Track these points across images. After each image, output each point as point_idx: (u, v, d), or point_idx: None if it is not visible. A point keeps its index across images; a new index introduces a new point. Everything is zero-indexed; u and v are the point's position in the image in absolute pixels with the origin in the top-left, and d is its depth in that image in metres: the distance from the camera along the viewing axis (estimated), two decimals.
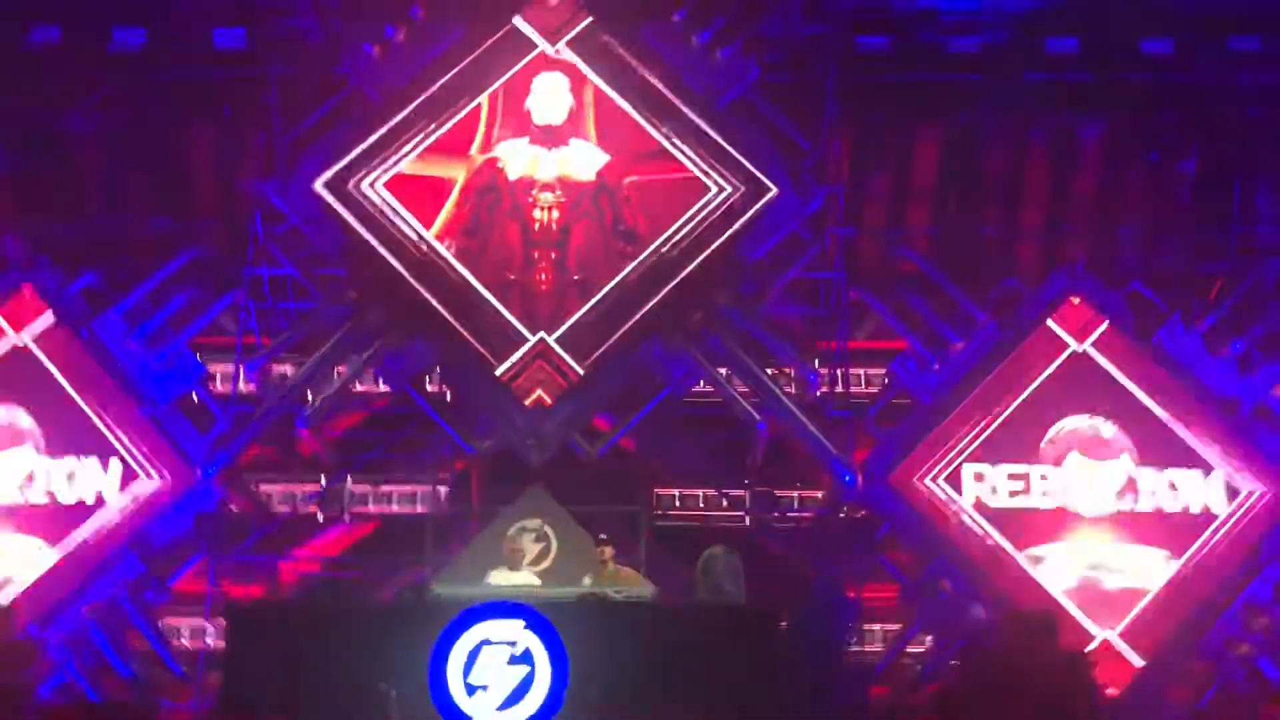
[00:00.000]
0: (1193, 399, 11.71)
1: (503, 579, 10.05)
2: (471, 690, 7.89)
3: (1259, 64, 13.10)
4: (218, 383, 12.43)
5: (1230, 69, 13.09)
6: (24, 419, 11.70)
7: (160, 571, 11.28)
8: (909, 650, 11.45)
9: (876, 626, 11.76)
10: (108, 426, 11.63)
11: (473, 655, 7.94)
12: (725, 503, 12.55)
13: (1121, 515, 11.46)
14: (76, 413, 11.68)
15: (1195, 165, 13.51)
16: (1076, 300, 12.04)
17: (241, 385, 11.75)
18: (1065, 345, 11.90)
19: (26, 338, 11.91)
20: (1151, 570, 11.30)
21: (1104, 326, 11.96)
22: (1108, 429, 11.66)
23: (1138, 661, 10.95)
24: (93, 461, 11.53)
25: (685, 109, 12.10)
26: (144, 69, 12.73)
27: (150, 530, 11.38)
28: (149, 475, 11.51)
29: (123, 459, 11.52)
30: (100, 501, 11.43)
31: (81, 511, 11.40)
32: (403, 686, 7.84)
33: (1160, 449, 11.57)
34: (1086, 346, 11.92)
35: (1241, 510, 11.40)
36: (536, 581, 10.06)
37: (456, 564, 10.80)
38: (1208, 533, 11.31)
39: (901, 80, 13.08)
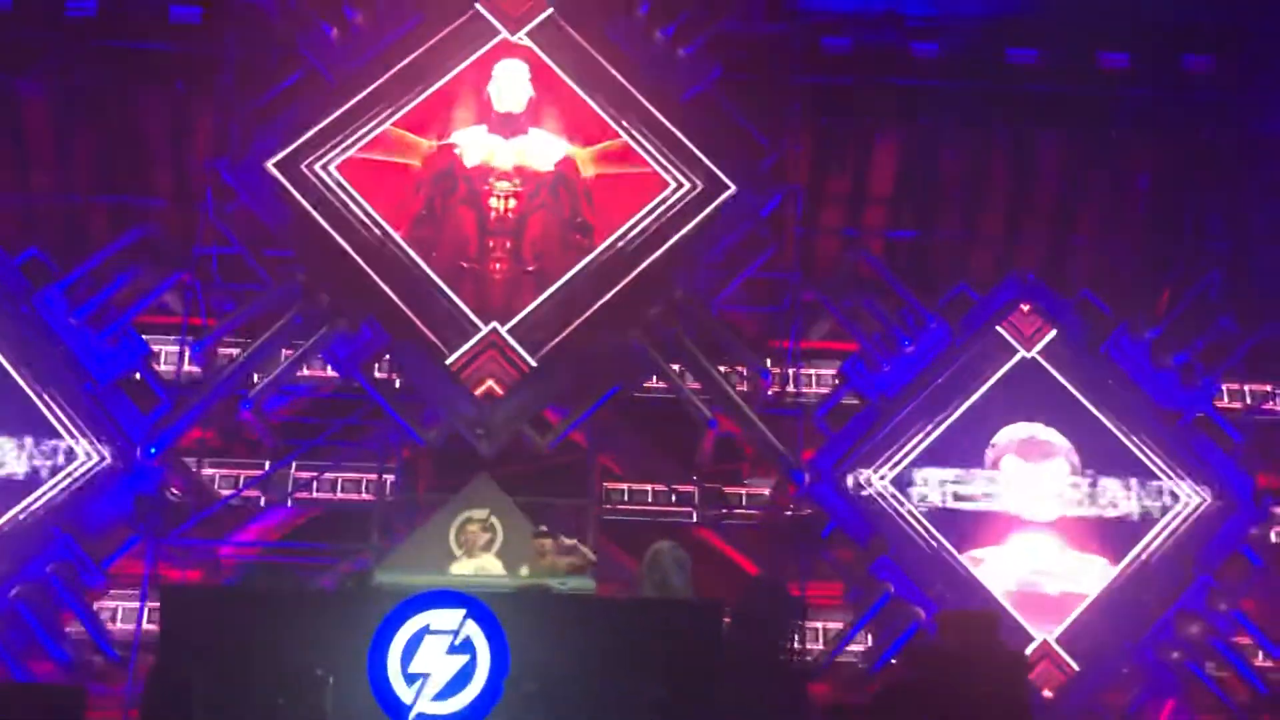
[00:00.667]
0: (1136, 408, 11.90)
1: (463, 568, 9.96)
2: (411, 679, 7.80)
3: (1212, 82, 13.32)
4: (162, 363, 12.20)
5: (1184, 85, 13.30)
6: None
7: (96, 553, 11.04)
8: (851, 649, 11.50)
9: (819, 625, 11.80)
10: (46, 404, 11.39)
11: (413, 643, 7.85)
12: (674, 498, 12.53)
13: (1062, 521, 11.62)
14: (15, 390, 11.43)
15: (1149, 178, 13.70)
16: (1026, 308, 12.18)
17: (186, 366, 11.56)
18: (1014, 351, 12.03)
19: None
20: (1090, 575, 11.47)
21: (1052, 334, 12.11)
22: (1051, 435, 11.80)
23: (1074, 665, 11.09)
24: (29, 439, 11.28)
25: (646, 103, 12.07)
26: (97, 37, 12.46)
27: (87, 511, 11.16)
28: (87, 455, 11.28)
29: (61, 437, 11.29)
30: (37, 480, 11.19)
31: (17, 489, 11.16)
32: (341, 674, 7.74)
33: (1103, 456, 11.73)
34: (1034, 354, 12.05)
35: (1179, 518, 11.60)
36: (498, 565, 9.96)
37: (401, 552, 10.69)
38: (1146, 539, 11.50)
39: (863, 82, 13.15)
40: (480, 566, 10.01)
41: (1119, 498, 11.61)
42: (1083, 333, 12.22)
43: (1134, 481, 11.64)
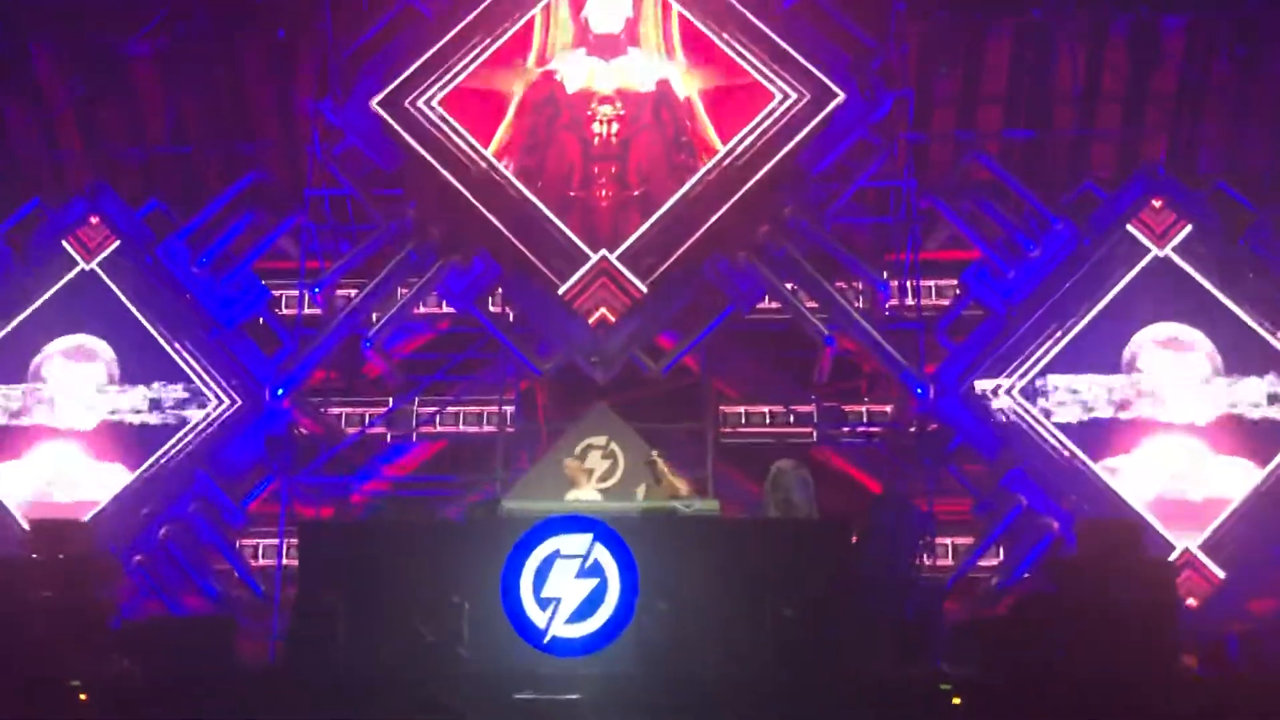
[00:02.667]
0: None
1: (571, 496, 10.04)
2: (544, 604, 7.92)
3: None
4: (283, 307, 12.48)
5: None
6: (97, 345, 11.87)
7: (234, 493, 11.45)
8: (982, 564, 11.28)
9: (948, 540, 11.59)
10: (177, 352, 11.77)
11: (544, 569, 7.96)
12: (792, 419, 12.38)
13: (1204, 424, 11.13)
14: (147, 339, 11.84)
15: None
16: (1157, 203, 11.59)
17: (306, 308, 11.78)
18: (1146, 250, 11.49)
19: (95, 265, 12.04)
20: (1234, 479, 10.99)
21: (1186, 230, 11.51)
22: (1190, 334, 11.27)
23: (1219, 573, 10.70)
24: (165, 385, 11.69)
25: (747, 13, 11.72)
26: None
27: (223, 453, 11.56)
28: (219, 399, 11.65)
29: (194, 383, 11.67)
30: (173, 425, 11.60)
31: (156, 435, 11.60)
32: (475, 600, 7.90)
33: (1246, 355, 11.19)
34: (1168, 251, 11.49)
35: None
36: (598, 497, 10.01)
37: (526, 481, 10.83)
38: None
39: None
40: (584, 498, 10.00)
41: (1264, 397, 11.06)
42: (1219, 226, 11.58)
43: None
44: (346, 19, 12.20)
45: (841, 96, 11.46)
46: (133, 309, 11.90)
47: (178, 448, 11.54)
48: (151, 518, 11.24)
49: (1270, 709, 7.29)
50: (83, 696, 7.33)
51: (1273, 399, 11.08)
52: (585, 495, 9.83)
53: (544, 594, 7.94)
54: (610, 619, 7.86)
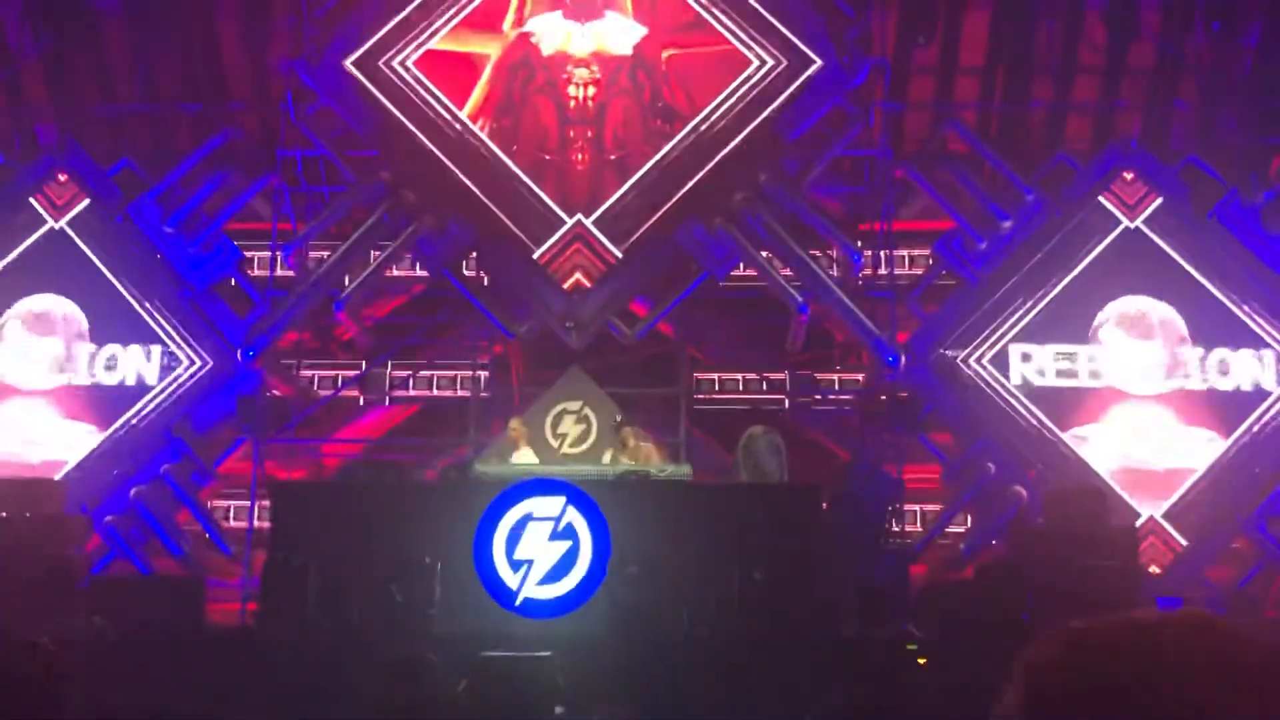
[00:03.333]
0: (1248, 276, 11.41)
1: (521, 458, 10.00)
2: (516, 565, 7.97)
3: None
4: (255, 268, 12.37)
5: None
6: (66, 305, 11.75)
7: (205, 454, 11.41)
8: (950, 530, 11.42)
9: (916, 507, 11.72)
10: (148, 312, 11.68)
11: (516, 530, 8.01)
12: (765, 386, 12.44)
13: (1169, 395, 11.28)
14: (117, 298, 11.73)
15: (1258, 35, 12.89)
16: (1129, 176, 11.67)
17: (278, 270, 11.70)
18: (1117, 222, 11.58)
19: (64, 224, 11.90)
20: (1198, 449, 11.15)
21: (1158, 202, 11.61)
22: (1158, 307, 11.39)
23: (1182, 540, 10.88)
24: (135, 347, 11.61)
25: None
26: None
27: (193, 413, 11.50)
28: (190, 360, 11.58)
29: (164, 344, 11.58)
30: (144, 386, 11.53)
31: (126, 395, 11.53)
32: (447, 562, 7.93)
33: (1213, 327, 11.32)
34: (1139, 223, 11.59)
35: None
36: (535, 460, 9.97)
37: (499, 444, 10.84)
38: (1259, 411, 11.12)
39: None
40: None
41: (1230, 368, 11.22)
42: (1189, 200, 11.69)
43: (1246, 351, 11.22)
44: None
45: (818, 64, 11.44)
46: (103, 268, 11.78)
47: (149, 408, 11.47)
48: (123, 478, 11.18)
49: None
50: (54, 653, 7.32)
51: (1236, 370, 11.22)
52: (525, 459, 9.81)
53: (516, 556, 7.99)
54: (582, 581, 7.92)
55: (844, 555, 8.86)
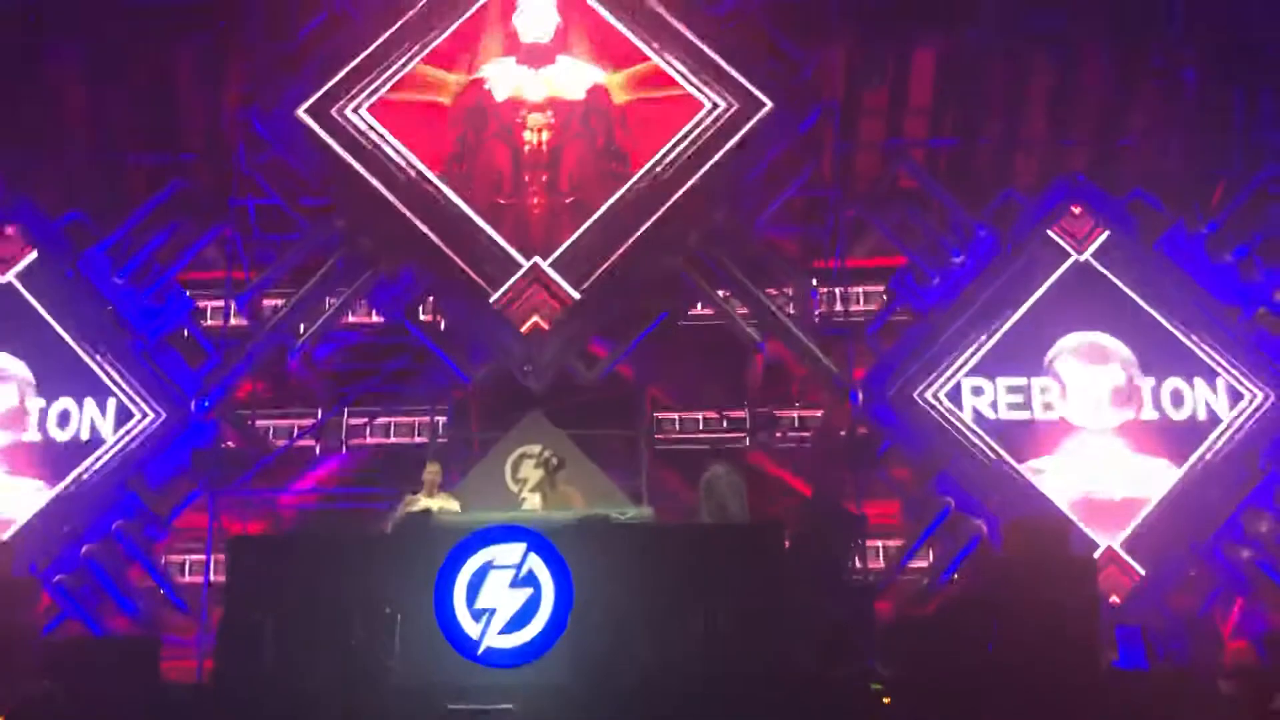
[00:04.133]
0: (1195, 306, 11.62)
1: (414, 506, 9.82)
2: (477, 615, 7.87)
3: None
4: (208, 318, 12.25)
5: None
6: (12, 362, 11.54)
7: (159, 508, 11.22)
8: (912, 565, 11.45)
9: (878, 543, 11.75)
10: (99, 365, 11.50)
11: (477, 579, 7.91)
12: (725, 424, 12.46)
13: (1123, 425, 11.42)
14: (67, 352, 11.53)
15: (1197, 71, 13.23)
16: (1077, 210, 11.87)
17: (232, 319, 11.59)
18: (1067, 255, 11.76)
19: (12, 278, 11.72)
20: (1153, 479, 11.28)
21: (1105, 235, 11.81)
22: (1108, 341, 11.56)
23: (1140, 570, 10.97)
24: (86, 401, 11.41)
25: (676, 23, 11.81)
26: None
27: (147, 467, 11.31)
28: (143, 413, 11.40)
29: (116, 397, 11.40)
30: (96, 440, 11.34)
31: (78, 451, 11.32)
32: (408, 611, 7.82)
33: (1163, 357, 11.49)
34: (1087, 256, 11.78)
35: (1244, 416, 11.35)
36: (454, 506, 9.87)
37: (457, 491, 10.74)
38: (1210, 439, 11.27)
39: None
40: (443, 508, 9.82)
41: (1181, 399, 11.38)
42: (1136, 232, 11.91)
43: (1196, 381, 11.39)
44: (275, 24, 12.06)
45: (769, 106, 11.59)
46: (52, 322, 11.59)
47: (100, 463, 11.26)
48: (74, 536, 10.95)
49: (1187, 703, 7.49)
50: None
51: (1189, 400, 11.39)
52: (433, 504, 9.68)
53: (478, 605, 7.89)
54: (544, 629, 7.83)
55: (808, 594, 8.84)
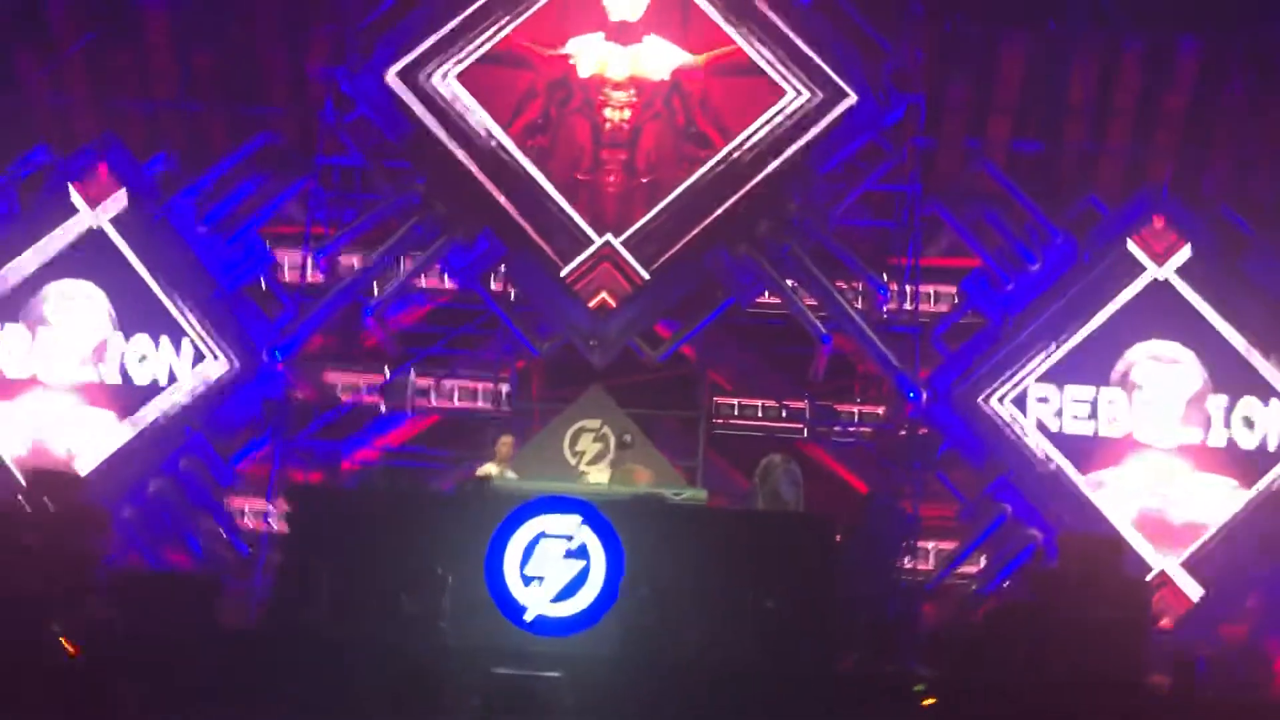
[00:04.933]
0: (1276, 328, 11.34)
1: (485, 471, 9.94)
2: (528, 580, 8.01)
3: None
4: (285, 271, 12.48)
5: None
6: (98, 296, 11.86)
7: (225, 453, 11.49)
8: (963, 570, 11.38)
9: (930, 544, 11.68)
10: (178, 309, 11.77)
11: (530, 547, 8.05)
12: (784, 414, 12.45)
13: (1191, 445, 11.21)
14: (148, 294, 11.82)
15: None
16: (1159, 222, 11.64)
17: (309, 274, 11.80)
18: (1144, 268, 11.55)
19: (102, 217, 12.02)
20: (1217, 501, 11.08)
21: (1186, 250, 11.57)
22: (1182, 354, 11.34)
23: (1196, 593, 10.80)
24: (164, 342, 11.71)
25: (764, 8, 11.75)
26: None
27: (217, 413, 11.59)
28: (216, 359, 11.67)
29: (192, 342, 11.68)
30: (170, 381, 11.63)
31: (152, 390, 11.62)
32: (459, 574, 7.98)
33: (1237, 379, 11.26)
34: (1167, 272, 11.56)
35: None
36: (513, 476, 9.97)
37: (516, 459, 10.88)
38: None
39: None
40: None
41: (1253, 423, 11.15)
42: (1219, 249, 11.65)
43: (1272, 403, 11.14)
44: None
45: (853, 98, 11.51)
46: (136, 263, 11.88)
47: (173, 404, 11.57)
48: (143, 472, 11.28)
49: None
50: (65, 643, 7.40)
51: (1261, 424, 11.16)
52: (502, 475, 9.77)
53: (528, 572, 8.03)
54: (594, 601, 7.95)
55: (857, 589, 8.85)
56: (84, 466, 11.26)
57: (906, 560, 10.93)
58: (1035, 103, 13.13)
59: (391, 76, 11.69)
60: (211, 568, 11.04)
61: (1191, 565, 10.92)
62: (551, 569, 8.04)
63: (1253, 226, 11.81)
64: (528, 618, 7.98)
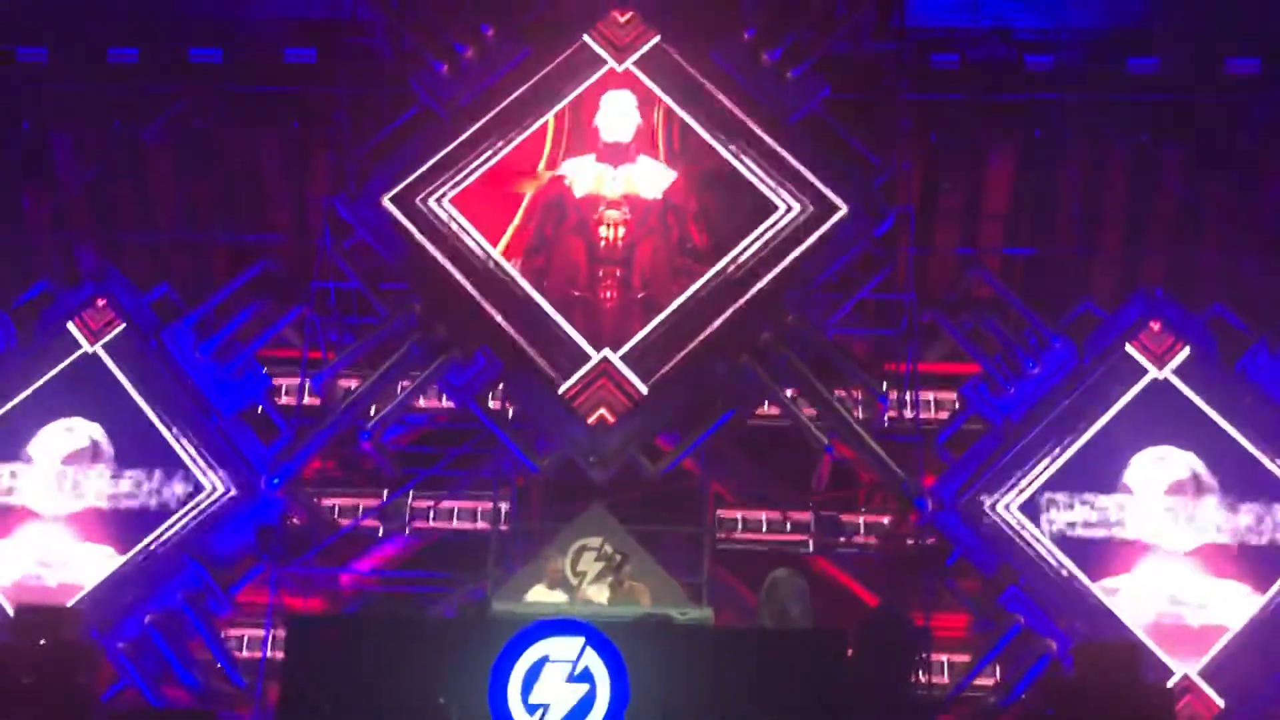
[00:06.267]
0: (1278, 427, 11.28)
1: (538, 596, 9.93)
2: (532, 709, 7.77)
3: None
4: (283, 395, 12.49)
5: None
6: (94, 429, 11.83)
7: (222, 581, 11.31)
8: (979, 682, 11.09)
9: (944, 657, 11.42)
10: (174, 437, 11.73)
11: (533, 672, 7.83)
12: (789, 526, 12.30)
13: (1202, 548, 11.05)
14: (144, 422, 11.80)
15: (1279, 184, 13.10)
16: (1156, 325, 11.70)
17: (306, 398, 11.80)
18: (1144, 371, 11.55)
19: (99, 348, 12.08)
20: (1233, 605, 10.88)
21: (1185, 352, 11.60)
22: (1187, 459, 11.27)
23: (1219, 701, 10.51)
24: (159, 470, 11.62)
25: (754, 126, 12.01)
26: (218, 83, 12.92)
27: (213, 540, 11.44)
28: (214, 486, 11.58)
29: (189, 469, 11.60)
30: (165, 510, 11.51)
31: (147, 520, 11.50)
32: (463, 703, 7.75)
33: (1243, 479, 11.16)
34: (1167, 373, 11.56)
35: None
36: (564, 599, 9.89)
37: (517, 581, 10.70)
38: None
39: (974, 99, 12.86)
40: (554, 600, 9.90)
41: (1262, 523, 11.01)
42: (1217, 350, 11.68)
43: (1277, 505, 11.03)
44: (363, 117, 12.49)
45: (844, 210, 11.67)
46: (132, 392, 11.89)
47: (169, 534, 11.43)
48: (138, 604, 11.08)
49: None
50: None
51: (1270, 525, 11.02)
52: (549, 599, 9.72)
53: (532, 699, 7.80)
54: None
55: (870, 706, 8.60)
56: (78, 599, 11.06)
57: (921, 674, 10.65)
58: (1025, 210, 13.36)
59: (387, 201, 11.87)
60: (209, 701, 10.76)
61: (1212, 671, 10.65)
62: (556, 695, 7.81)
63: (1249, 326, 11.85)
64: None
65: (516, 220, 12.01)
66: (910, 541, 11.28)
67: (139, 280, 12.65)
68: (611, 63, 12.43)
